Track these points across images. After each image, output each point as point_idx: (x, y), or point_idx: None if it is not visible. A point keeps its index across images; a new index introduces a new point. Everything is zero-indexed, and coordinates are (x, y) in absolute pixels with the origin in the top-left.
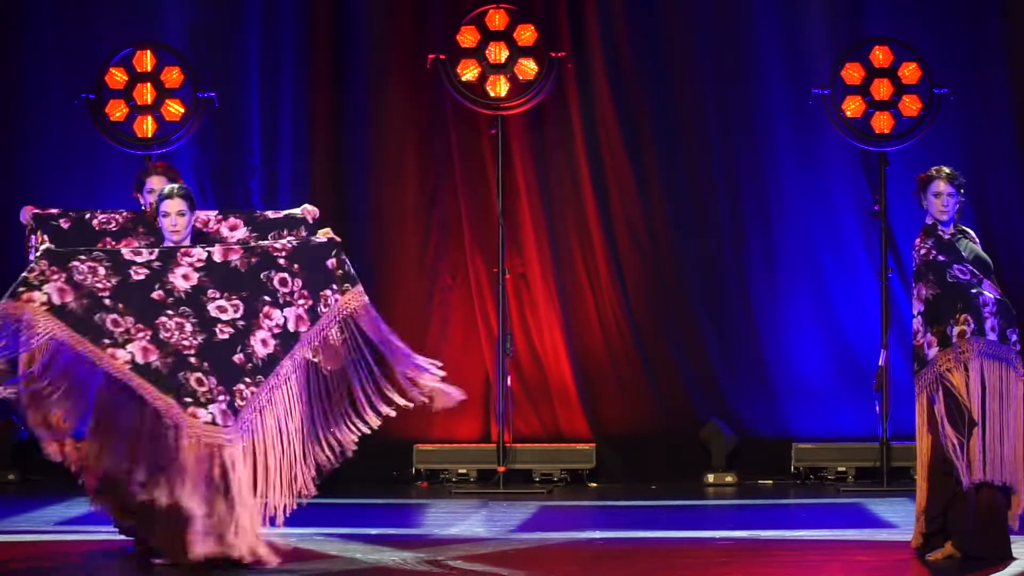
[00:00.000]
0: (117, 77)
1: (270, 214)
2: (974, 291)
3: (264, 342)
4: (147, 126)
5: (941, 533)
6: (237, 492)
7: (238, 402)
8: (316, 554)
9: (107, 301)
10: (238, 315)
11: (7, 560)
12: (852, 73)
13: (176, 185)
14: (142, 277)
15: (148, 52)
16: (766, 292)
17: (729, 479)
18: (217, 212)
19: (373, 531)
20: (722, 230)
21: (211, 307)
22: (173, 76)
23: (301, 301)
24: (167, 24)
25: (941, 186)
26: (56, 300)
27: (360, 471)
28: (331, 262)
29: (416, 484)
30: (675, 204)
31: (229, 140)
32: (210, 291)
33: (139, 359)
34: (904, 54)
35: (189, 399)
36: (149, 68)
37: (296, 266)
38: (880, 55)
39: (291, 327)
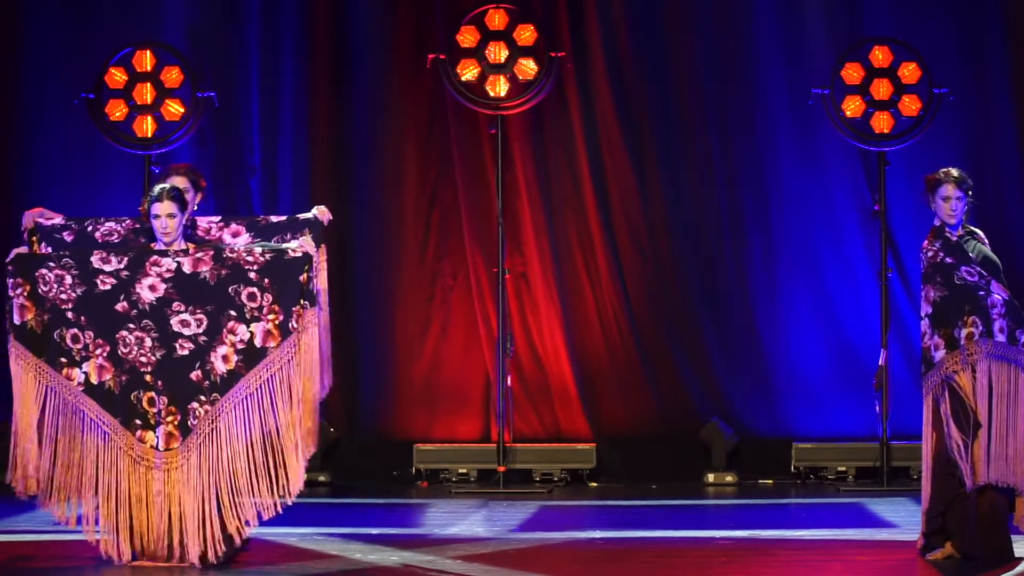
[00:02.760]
0: (117, 77)
1: (273, 219)
2: (982, 293)
3: (225, 358)
4: (147, 126)
5: (941, 533)
6: (168, 510)
7: (191, 421)
8: (316, 554)
9: (69, 315)
10: (200, 330)
11: (7, 560)
12: (852, 73)
13: (167, 186)
14: (108, 288)
15: (148, 52)
16: (766, 292)
17: (729, 479)
18: (220, 219)
19: (373, 531)
20: (722, 230)
21: (174, 321)
22: (173, 76)
23: (271, 316)
24: (167, 24)
25: (950, 190)
26: (16, 319)
27: (360, 471)
28: (303, 277)
29: (416, 484)
30: (675, 204)
31: (229, 140)
32: (175, 304)
33: (93, 379)
34: (904, 54)
35: (139, 421)
36: (149, 68)
37: (267, 280)
38: (880, 55)
39: (258, 343)
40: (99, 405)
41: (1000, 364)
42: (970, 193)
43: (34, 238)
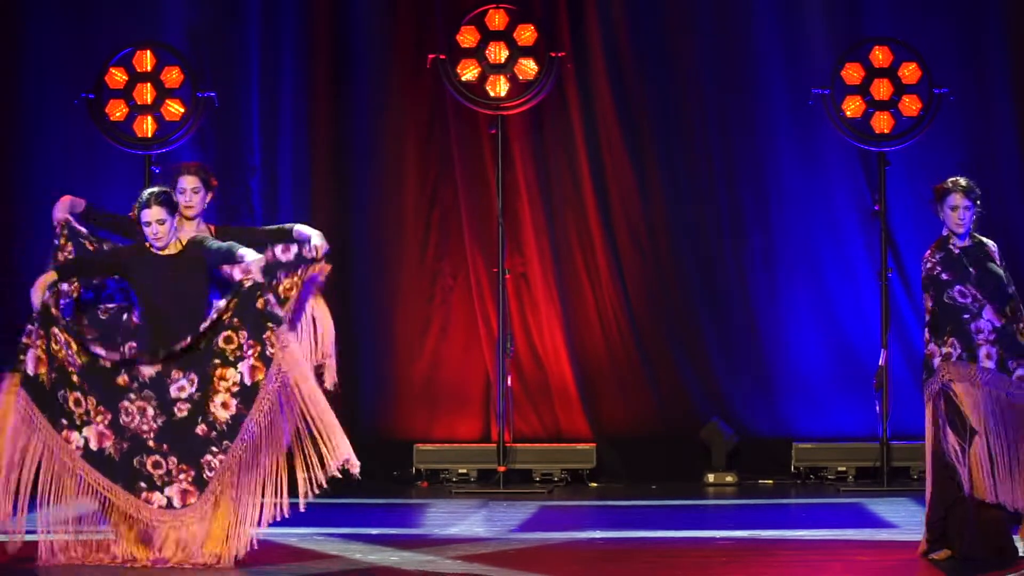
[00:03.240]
0: (117, 77)
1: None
2: (966, 316)
3: (224, 404)
4: (147, 126)
5: (943, 539)
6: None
7: (206, 473)
8: (316, 554)
9: (75, 378)
10: (194, 388)
11: (7, 560)
12: (852, 73)
13: (155, 191)
14: (108, 365)
15: (148, 52)
16: (766, 292)
17: (729, 479)
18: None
19: (373, 531)
20: (722, 230)
21: (172, 388)
22: (173, 76)
23: (251, 352)
24: (167, 24)
25: (958, 199)
26: (30, 370)
27: (360, 471)
28: (259, 303)
29: (416, 484)
30: (675, 204)
31: (229, 140)
32: (173, 372)
33: (92, 445)
34: (904, 54)
35: (144, 484)
36: (149, 68)
37: (236, 320)
38: (880, 55)
39: (248, 381)
40: (97, 471)
41: (988, 391)
42: (978, 203)
43: (64, 232)
